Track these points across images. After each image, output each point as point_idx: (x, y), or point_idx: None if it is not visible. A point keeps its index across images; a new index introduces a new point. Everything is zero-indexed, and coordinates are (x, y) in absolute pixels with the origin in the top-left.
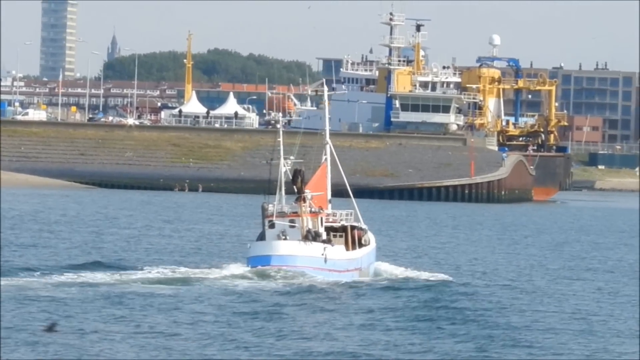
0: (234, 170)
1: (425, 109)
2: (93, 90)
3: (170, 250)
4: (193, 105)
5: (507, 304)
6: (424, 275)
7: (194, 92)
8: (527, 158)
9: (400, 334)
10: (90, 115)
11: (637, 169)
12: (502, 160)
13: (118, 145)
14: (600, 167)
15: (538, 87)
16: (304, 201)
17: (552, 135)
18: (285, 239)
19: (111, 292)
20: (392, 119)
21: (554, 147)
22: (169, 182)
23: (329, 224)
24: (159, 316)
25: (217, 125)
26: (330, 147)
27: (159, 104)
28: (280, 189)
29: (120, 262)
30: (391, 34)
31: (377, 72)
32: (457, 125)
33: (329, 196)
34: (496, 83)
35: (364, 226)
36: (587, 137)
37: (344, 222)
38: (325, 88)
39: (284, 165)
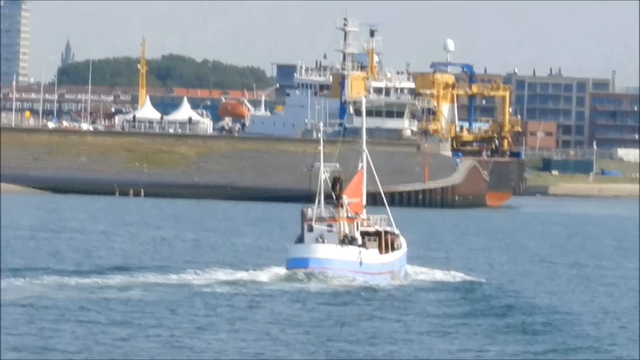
0: (188, 176)
1: (379, 114)
2: (47, 96)
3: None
4: (147, 111)
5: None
6: (456, 276)
7: (148, 97)
8: (480, 163)
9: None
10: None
11: (591, 174)
12: (456, 165)
13: (72, 150)
14: (554, 172)
15: (492, 93)
16: (342, 207)
17: (505, 141)
18: (323, 242)
19: (179, 293)
20: (346, 125)
21: (508, 153)
22: (123, 187)
23: (363, 229)
24: (231, 320)
25: (171, 131)
26: (366, 155)
27: (113, 109)
28: (320, 195)
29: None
30: (345, 39)
31: (331, 78)
32: (411, 130)
33: (364, 202)
34: (450, 88)
35: (396, 231)
36: (540, 143)
37: (377, 227)
38: (364, 100)
39: (324, 172)
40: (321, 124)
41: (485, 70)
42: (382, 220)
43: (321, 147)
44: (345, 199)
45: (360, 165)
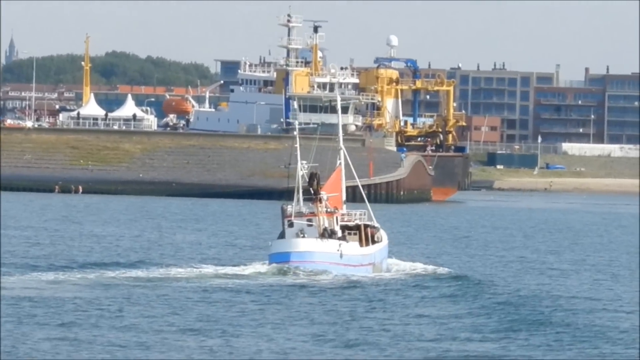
0: (133, 172)
1: (324, 110)
2: None
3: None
4: (91, 108)
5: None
6: (433, 269)
7: (92, 94)
8: (425, 158)
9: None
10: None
11: (536, 168)
12: (401, 160)
13: (16, 148)
14: (498, 166)
15: (436, 88)
16: (320, 202)
17: (450, 136)
18: (303, 236)
19: (175, 289)
20: (290, 120)
21: (453, 147)
22: (67, 184)
23: (344, 223)
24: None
25: (115, 128)
26: (344, 152)
27: (57, 107)
28: (298, 192)
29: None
30: (289, 35)
31: (275, 74)
32: (356, 126)
33: (344, 197)
34: (394, 84)
35: (376, 224)
36: (485, 137)
37: (357, 221)
38: (339, 97)
39: (301, 169)
40: (296, 122)
41: (429, 65)
42: (362, 215)
43: (297, 145)
44: (324, 194)
45: (338, 162)
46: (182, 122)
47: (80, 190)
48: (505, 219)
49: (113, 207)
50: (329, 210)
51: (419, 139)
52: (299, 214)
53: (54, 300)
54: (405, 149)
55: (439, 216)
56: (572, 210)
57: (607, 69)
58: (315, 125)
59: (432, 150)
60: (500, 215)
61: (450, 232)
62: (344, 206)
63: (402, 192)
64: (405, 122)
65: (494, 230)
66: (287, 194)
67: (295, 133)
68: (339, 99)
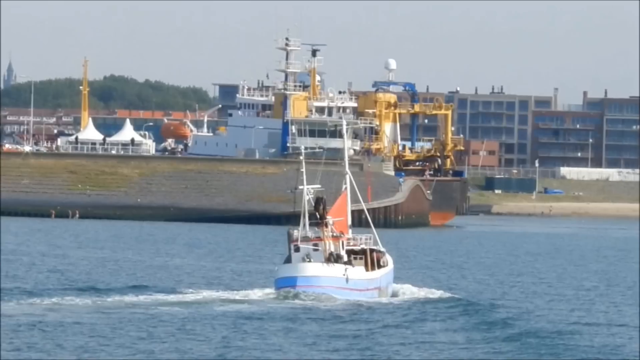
0: (131, 197)
1: (322, 134)
2: None
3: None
4: (89, 132)
5: None
6: (439, 294)
7: (90, 119)
8: (423, 183)
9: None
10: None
11: (534, 192)
12: (399, 185)
13: (14, 172)
14: (497, 191)
15: (434, 112)
16: (326, 226)
17: (448, 160)
18: (309, 261)
19: (179, 314)
20: (288, 145)
21: (451, 172)
22: (65, 209)
23: (349, 248)
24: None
25: (113, 152)
26: (349, 177)
27: (56, 131)
28: (304, 217)
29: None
30: (287, 59)
31: (273, 98)
32: (354, 150)
33: (349, 222)
34: (392, 108)
35: (382, 249)
36: (483, 162)
37: (363, 246)
38: (344, 122)
39: (307, 194)
40: (302, 147)
41: (428, 89)
42: (368, 239)
43: (303, 170)
44: (330, 218)
45: (344, 186)
46: (181, 146)
47: (77, 215)
48: (504, 243)
49: (110, 231)
50: (334, 234)
51: (417, 163)
52: (305, 239)
53: (52, 326)
54: (403, 174)
55: (437, 241)
56: (571, 235)
57: (606, 93)
58: (319, 150)
59: (430, 175)
60: (499, 240)
61: (449, 256)
62: (350, 230)
63: (400, 217)
64: (404, 147)
65: (493, 255)
66: (285, 219)
67: (301, 157)
68: (344, 123)
